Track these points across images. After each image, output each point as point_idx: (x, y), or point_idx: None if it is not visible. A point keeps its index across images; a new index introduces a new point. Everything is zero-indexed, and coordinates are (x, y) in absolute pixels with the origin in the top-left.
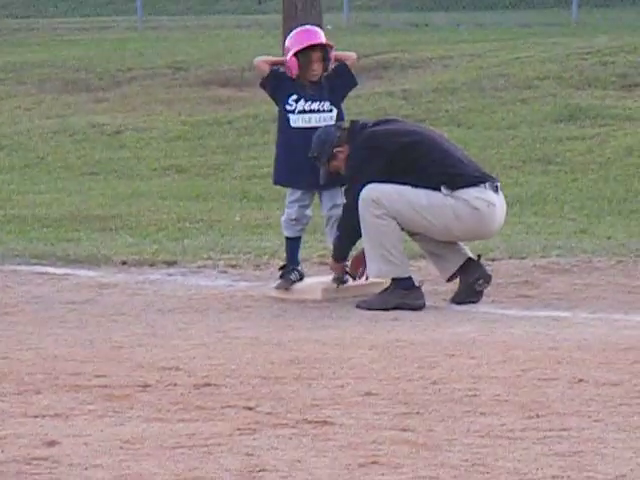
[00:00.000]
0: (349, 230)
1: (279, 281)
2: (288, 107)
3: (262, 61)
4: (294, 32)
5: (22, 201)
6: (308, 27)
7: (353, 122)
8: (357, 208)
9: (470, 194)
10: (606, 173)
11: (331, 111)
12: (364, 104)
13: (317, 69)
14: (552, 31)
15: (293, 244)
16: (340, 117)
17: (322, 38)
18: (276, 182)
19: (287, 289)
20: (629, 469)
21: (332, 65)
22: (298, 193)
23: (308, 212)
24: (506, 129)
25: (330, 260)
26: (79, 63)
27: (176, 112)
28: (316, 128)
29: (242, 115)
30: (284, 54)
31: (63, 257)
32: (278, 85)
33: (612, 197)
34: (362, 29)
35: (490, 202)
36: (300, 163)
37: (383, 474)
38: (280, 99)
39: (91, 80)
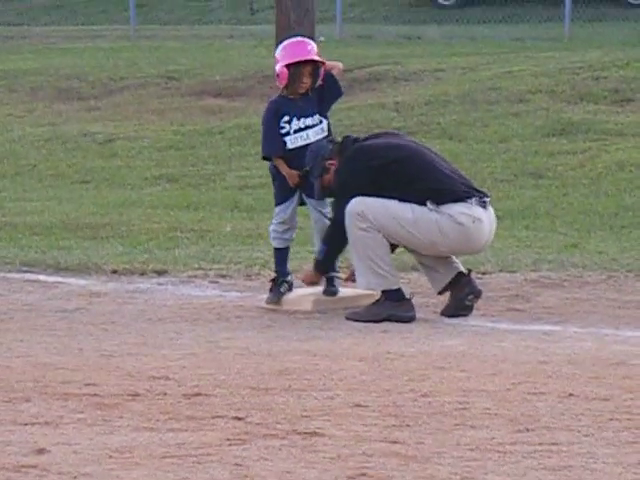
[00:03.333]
0: (335, 243)
1: (269, 295)
2: (282, 131)
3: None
4: (287, 43)
5: (13, 208)
6: (300, 39)
7: (346, 137)
8: (343, 221)
9: (455, 209)
10: (597, 188)
11: (321, 122)
12: (356, 116)
13: (307, 82)
14: (545, 45)
15: (282, 254)
16: (328, 128)
17: (314, 52)
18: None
19: (277, 303)
20: None
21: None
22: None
23: (295, 214)
24: (498, 143)
25: (310, 270)
26: (72, 71)
27: (168, 121)
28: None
29: (234, 125)
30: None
31: (54, 265)
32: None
33: (603, 212)
34: (355, 41)
35: (476, 218)
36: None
37: None
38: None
39: (83, 88)
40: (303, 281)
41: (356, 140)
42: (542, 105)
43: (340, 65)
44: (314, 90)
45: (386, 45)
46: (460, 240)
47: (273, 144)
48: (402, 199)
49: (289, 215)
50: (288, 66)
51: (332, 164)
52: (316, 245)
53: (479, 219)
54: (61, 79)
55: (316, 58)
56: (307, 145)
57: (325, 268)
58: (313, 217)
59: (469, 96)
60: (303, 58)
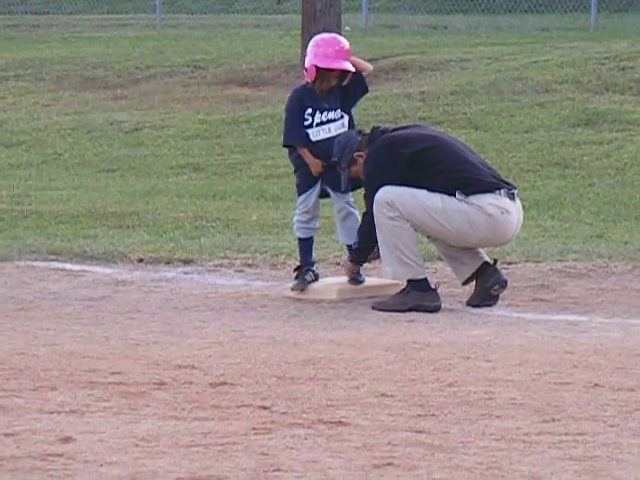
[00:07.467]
0: (367, 233)
1: (294, 282)
2: (305, 122)
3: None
4: (320, 40)
5: (39, 197)
6: (334, 37)
7: (374, 128)
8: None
9: (484, 200)
10: (623, 178)
11: (342, 117)
12: (382, 105)
13: (333, 82)
14: (571, 35)
15: (306, 244)
16: (351, 122)
17: (346, 53)
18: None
19: (303, 290)
20: None
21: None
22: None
23: (318, 202)
24: (524, 133)
25: (345, 261)
26: (98, 60)
27: (194, 110)
28: (336, 137)
29: (260, 114)
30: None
31: (80, 253)
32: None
33: (629, 202)
34: (381, 30)
35: (505, 209)
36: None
37: (398, 476)
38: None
39: (109, 77)
40: (346, 272)
41: (384, 131)
42: (568, 95)
43: (370, 68)
44: (338, 86)
45: (412, 35)
46: (488, 231)
47: (296, 133)
48: (430, 189)
49: (312, 203)
50: (317, 66)
51: (360, 155)
52: (339, 234)
53: (507, 210)
54: (87, 68)
55: (347, 68)
56: (329, 138)
57: (361, 258)
58: (337, 206)
59: (495, 86)
60: (334, 67)
